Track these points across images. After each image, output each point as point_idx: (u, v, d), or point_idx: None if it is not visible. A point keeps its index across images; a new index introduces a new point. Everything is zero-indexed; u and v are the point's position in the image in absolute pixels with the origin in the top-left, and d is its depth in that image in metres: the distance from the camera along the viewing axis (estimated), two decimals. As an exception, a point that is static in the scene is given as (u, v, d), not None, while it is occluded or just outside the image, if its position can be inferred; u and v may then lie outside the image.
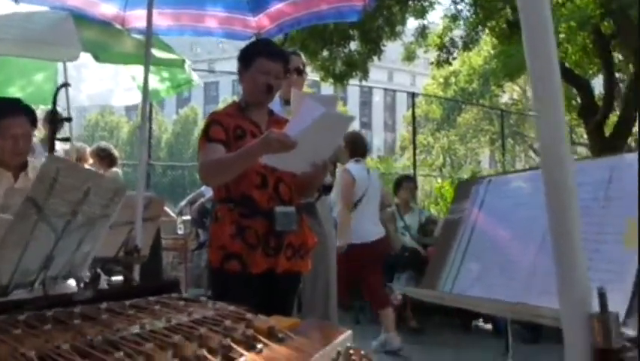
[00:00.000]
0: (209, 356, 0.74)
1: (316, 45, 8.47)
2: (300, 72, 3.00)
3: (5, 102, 2.55)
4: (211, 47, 43.97)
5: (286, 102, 2.91)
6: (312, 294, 3.14)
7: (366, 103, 44.56)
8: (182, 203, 7.40)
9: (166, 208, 5.62)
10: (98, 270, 2.03)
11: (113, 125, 37.71)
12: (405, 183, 5.73)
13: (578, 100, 9.73)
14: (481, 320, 5.34)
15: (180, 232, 6.38)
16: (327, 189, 3.33)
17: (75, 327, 0.96)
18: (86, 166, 2.62)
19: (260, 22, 3.12)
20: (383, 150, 37.43)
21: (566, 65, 8.85)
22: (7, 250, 1.28)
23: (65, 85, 2.71)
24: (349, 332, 0.88)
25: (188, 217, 6.71)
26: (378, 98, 44.59)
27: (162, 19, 3.11)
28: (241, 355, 0.77)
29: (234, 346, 0.78)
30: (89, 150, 4.69)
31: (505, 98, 20.71)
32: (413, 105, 11.63)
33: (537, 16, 0.80)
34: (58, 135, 2.77)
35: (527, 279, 1.07)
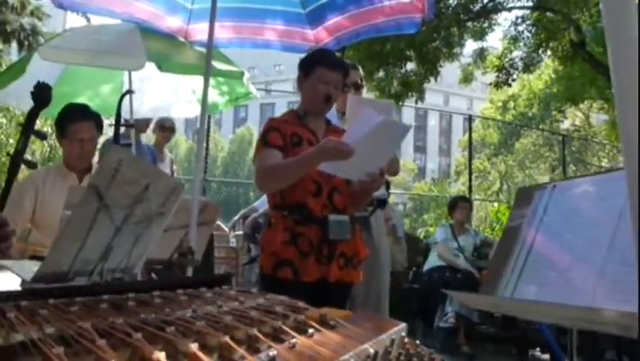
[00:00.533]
0: (260, 336, 0.72)
1: (372, 65, 8.50)
2: (358, 87, 3.00)
3: (73, 108, 2.67)
4: (268, 69, 44.98)
5: (343, 114, 2.91)
6: (363, 308, 3.09)
7: (421, 127, 44.22)
8: (235, 217, 7.50)
9: (219, 222, 5.71)
10: (152, 274, 2.07)
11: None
12: (460, 204, 5.60)
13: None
14: (538, 349, 5.09)
15: (232, 245, 6.45)
16: (382, 203, 3.28)
17: (130, 309, 0.97)
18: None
19: (318, 35, 3.15)
20: (437, 174, 36.90)
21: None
22: (69, 237, 1.31)
23: (129, 92, 2.82)
24: (404, 324, 0.84)
25: (240, 232, 6.78)
26: (433, 121, 44.18)
27: (224, 32, 3.20)
28: (292, 338, 0.75)
29: (286, 328, 0.77)
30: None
31: (566, 124, 20.07)
32: (470, 128, 11.40)
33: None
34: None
35: (595, 284, 1.00)
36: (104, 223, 1.40)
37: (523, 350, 5.02)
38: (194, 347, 0.65)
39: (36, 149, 9.84)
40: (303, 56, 2.62)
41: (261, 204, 6.75)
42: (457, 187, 21.06)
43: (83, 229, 1.34)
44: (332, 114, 2.84)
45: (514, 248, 1.30)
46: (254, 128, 43.65)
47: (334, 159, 2.06)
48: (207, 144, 9.92)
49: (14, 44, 9.74)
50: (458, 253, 5.23)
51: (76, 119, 2.60)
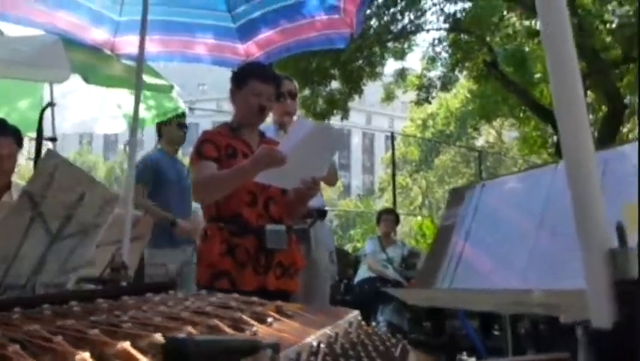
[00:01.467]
0: (221, 326, 0.73)
1: (298, 83, 8.61)
2: (293, 96, 3.05)
3: (-9, 122, 2.54)
4: (192, 88, 44.31)
5: (280, 126, 2.94)
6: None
7: (344, 145, 44.96)
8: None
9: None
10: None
11: (91, 165, 37.37)
12: (385, 216, 5.77)
13: (554, 139, 9.99)
14: (464, 353, 5.29)
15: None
16: (322, 214, 3.32)
17: (77, 314, 0.94)
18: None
19: (248, 49, 3.17)
20: (362, 191, 37.60)
21: (541, 103, 9.10)
22: (0, 247, 1.25)
23: (51, 104, 2.71)
24: (357, 311, 0.88)
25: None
26: (357, 139, 45.08)
27: (152, 46, 3.14)
28: (253, 327, 0.76)
29: (246, 319, 0.78)
30: None
31: (481, 141, 21.16)
32: (392, 145, 11.77)
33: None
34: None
35: (524, 270, 1.08)
36: (38, 233, 1.35)
37: (451, 354, 5.20)
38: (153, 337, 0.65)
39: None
40: (233, 70, 2.64)
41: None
42: (382, 203, 21.56)
43: (15, 239, 1.29)
44: (269, 128, 2.87)
45: (449, 245, 1.37)
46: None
47: (269, 166, 2.09)
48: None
49: None
50: (387, 264, 5.36)
51: None
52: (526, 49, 9.02)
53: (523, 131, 13.28)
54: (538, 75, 8.76)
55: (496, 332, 4.85)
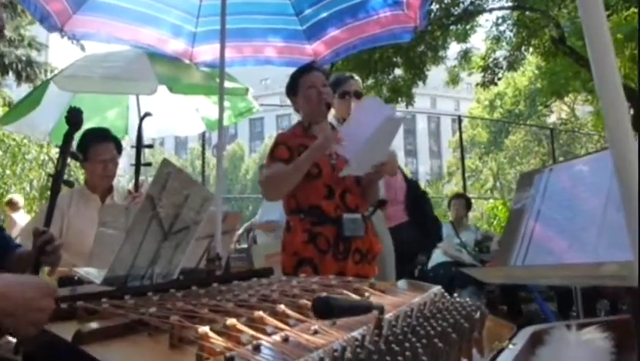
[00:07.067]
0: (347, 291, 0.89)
1: (362, 73, 8.70)
2: (359, 95, 3.17)
3: (95, 131, 2.83)
4: (254, 84, 45.14)
5: (343, 121, 3.08)
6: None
7: (410, 131, 44.54)
8: (239, 231, 7.64)
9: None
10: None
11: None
12: (456, 200, 5.78)
13: (631, 111, 9.55)
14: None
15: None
16: (382, 203, 3.44)
17: (213, 294, 1.13)
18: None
19: (316, 49, 3.33)
20: (430, 176, 37.14)
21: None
22: (128, 244, 1.47)
23: (147, 115, 2.99)
24: (439, 286, 1.02)
25: (245, 245, 6.92)
26: (422, 124, 44.50)
27: (227, 52, 3.35)
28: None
29: (348, 292, 0.93)
30: None
31: (553, 118, 20.41)
32: (460, 128, 11.62)
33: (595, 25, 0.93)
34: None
35: (594, 245, 1.18)
36: (154, 231, 1.56)
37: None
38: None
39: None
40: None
41: (259, 218, 6.92)
42: (451, 188, 21.28)
43: (139, 236, 1.51)
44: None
45: (520, 226, 1.48)
46: (244, 144, 43.82)
47: (325, 149, 2.29)
48: (203, 164, 10.08)
49: (11, 76, 9.90)
50: (461, 248, 5.40)
51: (99, 141, 2.76)
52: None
53: (597, 106, 12.73)
54: (610, 47, 8.41)
55: (574, 313, 4.81)
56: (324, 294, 0.76)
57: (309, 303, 0.85)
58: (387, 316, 0.75)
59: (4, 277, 0.84)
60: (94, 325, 0.90)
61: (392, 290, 0.98)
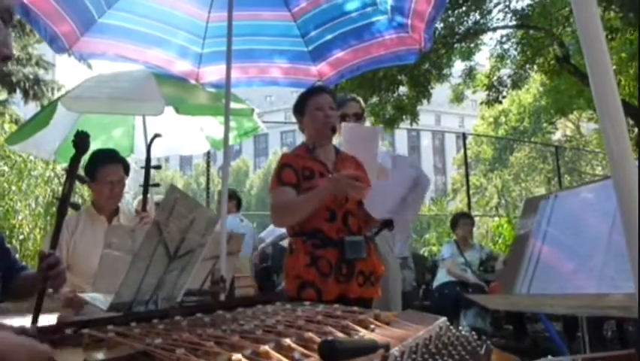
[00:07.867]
0: (334, 331, 0.89)
1: (366, 92, 8.73)
2: (359, 117, 3.19)
3: (103, 152, 2.85)
4: (259, 100, 45.50)
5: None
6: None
7: (414, 148, 44.62)
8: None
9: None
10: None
11: (168, 181, 39.24)
12: (462, 220, 5.77)
13: (635, 130, 9.55)
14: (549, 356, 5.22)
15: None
16: (388, 223, 3.45)
17: (218, 322, 1.13)
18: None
19: (321, 70, 3.36)
20: (434, 193, 37.09)
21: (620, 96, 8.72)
22: (134, 269, 1.48)
23: (157, 136, 3.02)
24: (444, 318, 1.02)
25: (255, 261, 6.91)
26: (426, 141, 44.56)
27: (233, 73, 3.40)
28: (359, 332, 0.91)
29: (352, 325, 0.94)
30: None
31: (558, 135, 20.41)
32: (464, 145, 11.60)
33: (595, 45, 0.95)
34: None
35: (598, 276, 1.18)
36: (160, 256, 1.57)
37: (534, 358, 5.13)
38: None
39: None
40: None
41: (268, 234, 6.91)
42: (455, 205, 21.23)
43: (145, 262, 1.51)
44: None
45: (526, 251, 1.48)
46: (249, 160, 43.95)
47: (344, 191, 2.27)
48: (208, 180, 10.10)
49: (18, 94, 10.02)
50: (466, 267, 5.38)
51: (106, 162, 2.78)
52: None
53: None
54: (613, 67, 8.43)
55: (579, 334, 4.77)
56: (330, 338, 0.76)
57: (315, 336, 0.85)
58: (393, 350, 0.75)
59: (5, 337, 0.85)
60: (99, 355, 0.90)
61: (397, 322, 0.98)
